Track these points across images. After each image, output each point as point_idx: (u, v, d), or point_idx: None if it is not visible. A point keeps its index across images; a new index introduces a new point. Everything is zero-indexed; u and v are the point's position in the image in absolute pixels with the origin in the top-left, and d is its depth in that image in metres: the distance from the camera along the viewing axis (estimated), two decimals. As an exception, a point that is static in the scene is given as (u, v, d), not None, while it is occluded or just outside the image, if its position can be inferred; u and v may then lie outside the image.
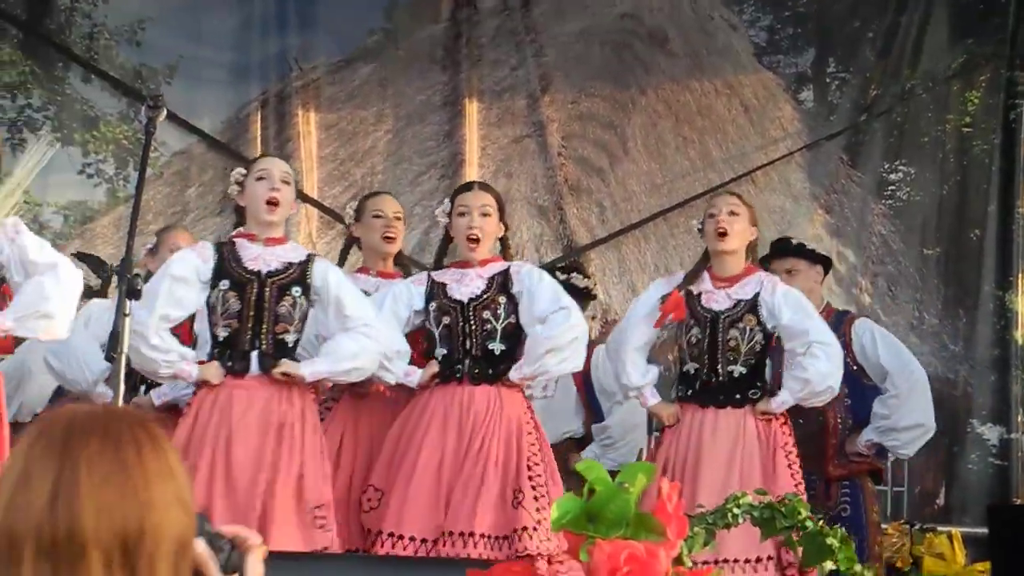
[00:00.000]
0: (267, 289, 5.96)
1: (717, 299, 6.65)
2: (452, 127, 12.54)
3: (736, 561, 6.20)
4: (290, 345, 6.03)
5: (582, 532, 3.59)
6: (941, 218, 13.47)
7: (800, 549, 4.77)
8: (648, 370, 6.80)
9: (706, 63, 13.83)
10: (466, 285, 6.41)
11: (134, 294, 4.97)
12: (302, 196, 9.32)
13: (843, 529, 4.76)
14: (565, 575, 4.26)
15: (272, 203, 6.02)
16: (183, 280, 5.94)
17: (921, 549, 8.50)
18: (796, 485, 6.40)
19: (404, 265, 7.14)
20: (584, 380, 7.99)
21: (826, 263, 7.84)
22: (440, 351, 6.37)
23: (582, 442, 8.16)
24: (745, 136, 13.56)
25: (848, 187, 13.71)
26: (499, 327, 6.37)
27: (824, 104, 14.74)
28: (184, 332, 6.37)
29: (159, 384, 6.69)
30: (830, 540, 4.64)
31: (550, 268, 7.99)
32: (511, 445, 6.25)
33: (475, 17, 13.43)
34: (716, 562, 5.89)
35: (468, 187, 6.73)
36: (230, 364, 5.94)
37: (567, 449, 7.77)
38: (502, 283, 6.42)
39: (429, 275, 6.53)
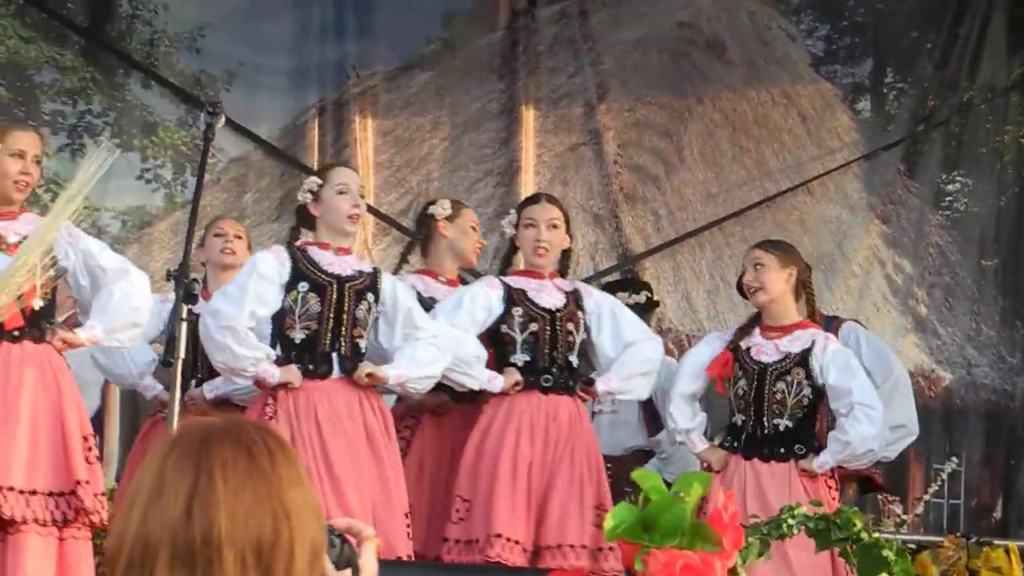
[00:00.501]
0: (346, 293, 5.98)
1: (766, 351, 6.59)
2: (508, 134, 12.55)
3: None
4: (363, 350, 6.04)
5: (637, 541, 3.59)
6: (999, 229, 13.42)
7: (856, 561, 4.75)
8: (695, 415, 6.76)
9: (763, 72, 13.81)
10: (547, 295, 6.39)
11: (191, 299, 5.00)
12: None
13: (899, 541, 4.73)
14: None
15: (354, 218, 6.05)
16: (269, 280, 5.93)
17: (978, 563, 8.44)
18: None
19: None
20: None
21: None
22: (521, 357, 6.31)
23: (648, 456, 8.17)
24: (802, 146, 13.53)
25: (905, 198, 13.67)
26: (578, 340, 6.39)
27: (881, 114, 14.72)
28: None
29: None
30: (886, 552, 4.61)
31: (606, 285, 7.97)
32: (591, 459, 6.26)
33: (533, 25, 13.46)
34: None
35: (535, 199, 6.68)
36: (311, 367, 5.94)
37: (633, 463, 7.77)
38: (576, 299, 6.43)
39: (502, 280, 6.45)
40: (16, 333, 5.49)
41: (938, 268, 13.34)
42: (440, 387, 6.23)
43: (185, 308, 4.97)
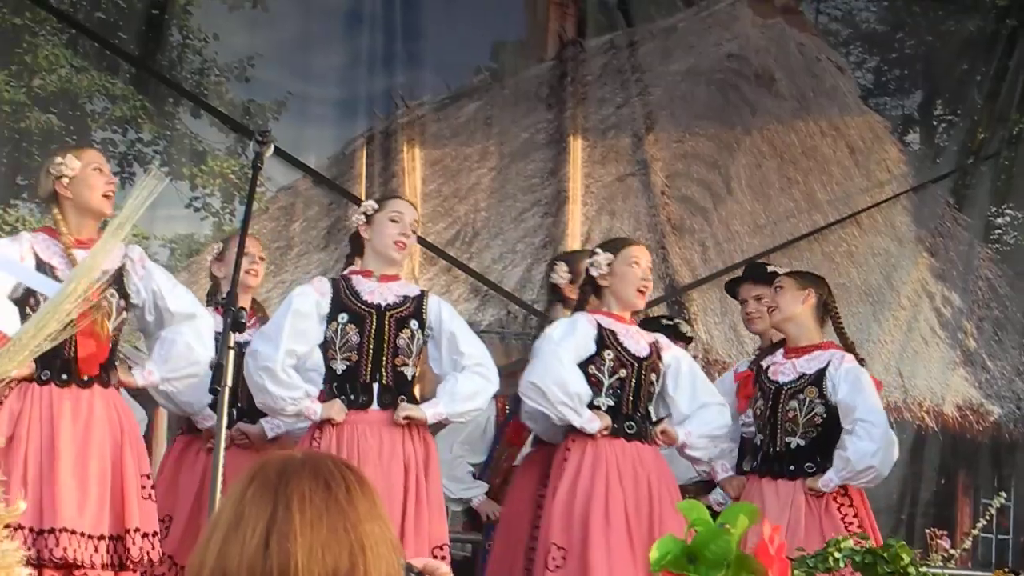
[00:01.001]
0: (386, 322, 5.98)
1: (783, 371, 6.64)
2: (556, 164, 12.56)
3: None
4: (409, 378, 6.04)
5: (682, 572, 3.58)
6: (1049, 263, 13.36)
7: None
8: (730, 443, 6.83)
9: (812, 104, 13.79)
10: (634, 341, 6.36)
11: (238, 327, 5.01)
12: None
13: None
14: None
15: (400, 245, 6.05)
16: (305, 315, 5.95)
17: (1025, 598, 8.37)
18: None
19: None
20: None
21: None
22: (605, 401, 6.25)
23: (709, 485, 8.15)
24: (850, 178, 13.50)
25: (954, 230, 13.61)
26: (656, 391, 6.40)
27: (930, 147, 14.68)
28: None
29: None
30: (933, 586, 4.58)
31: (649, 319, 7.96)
32: (677, 498, 6.25)
33: (581, 56, 13.48)
34: None
35: (632, 241, 6.66)
36: (351, 398, 5.96)
37: (695, 493, 7.75)
38: (657, 350, 6.41)
39: (597, 321, 6.36)
40: (86, 379, 5.55)
41: (987, 301, 13.26)
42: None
43: (232, 336, 4.99)
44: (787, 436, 6.54)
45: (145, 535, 5.54)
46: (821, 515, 6.40)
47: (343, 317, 5.94)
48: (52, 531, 5.29)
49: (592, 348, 6.24)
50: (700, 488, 8.01)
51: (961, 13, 14.25)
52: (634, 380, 6.27)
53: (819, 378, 6.51)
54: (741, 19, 14.06)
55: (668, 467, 6.40)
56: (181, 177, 12.04)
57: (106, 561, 5.42)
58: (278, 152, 10.03)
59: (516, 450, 7.77)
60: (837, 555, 4.71)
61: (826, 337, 6.70)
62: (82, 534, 5.36)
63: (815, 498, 6.44)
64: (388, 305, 6.00)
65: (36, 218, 11.42)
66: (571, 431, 6.21)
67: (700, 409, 6.41)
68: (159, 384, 5.74)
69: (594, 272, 6.40)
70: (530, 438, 7.39)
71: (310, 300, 5.96)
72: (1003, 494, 9.99)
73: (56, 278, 5.44)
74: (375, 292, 6.01)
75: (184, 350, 5.67)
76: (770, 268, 7.62)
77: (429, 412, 5.94)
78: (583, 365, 6.23)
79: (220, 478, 4.81)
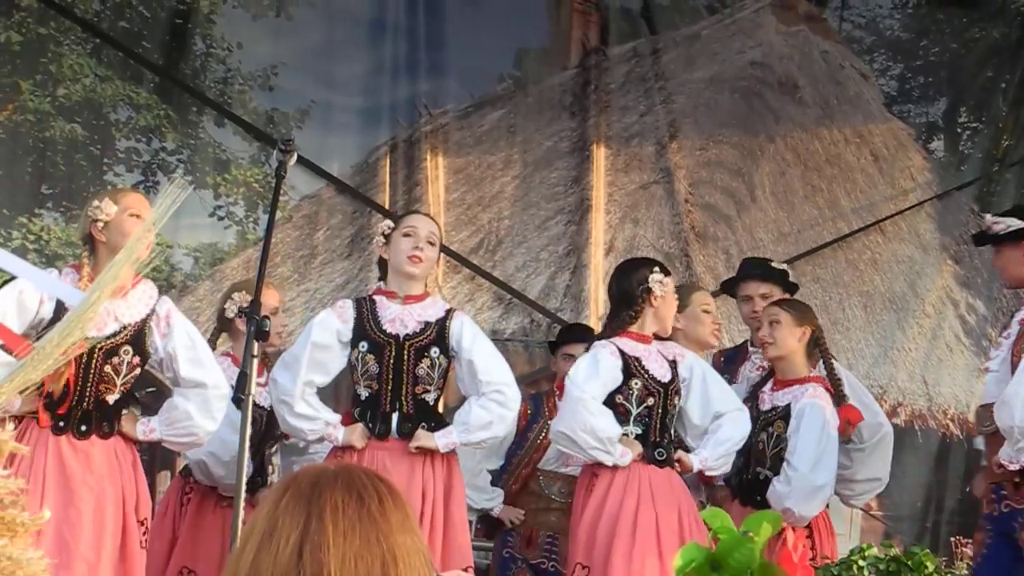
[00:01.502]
0: (405, 352, 5.98)
1: (766, 400, 6.71)
2: (580, 173, 12.55)
3: None
4: (431, 403, 6.04)
5: (706, 581, 3.57)
6: (1074, 270, 13.29)
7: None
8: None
9: (836, 112, 13.76)
10: (657, 364, 6.35)
11: (262, 336, 5.02)
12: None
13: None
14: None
15: (414, 259, 6.03)
16: (325, 347, 5.98)
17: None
18: None
19: None
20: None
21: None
22: (633, 429, 6.26)
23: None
24: (874, 185, 13.46)
25: (979, 238, 13.55)
26: (678, 410, 6.41)
27: (955, 154, 14.62)
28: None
29: None
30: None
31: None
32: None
33: (604, 64, 13.47)
34: None
35: (662, 265, 6.55)
36: (371, 426, 5.98)
37: (723, 499, 7.76)
38: (674, 367, 6.40)
39: (619, 347, 6.33)
40: (83, 428, 5.57)
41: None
42: None
43: (256, 344, 4.99)
44: (757, 466, 6.62)
45: None
46: (785, 546, 6.38)
47: (363, 346, 5.97)
48: None
49: (619, 378, 6.24)
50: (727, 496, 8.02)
51: (986, 20, 14.21)
52: (660, 408, 6.27)
53: (787, 412, 6.57)
54: (765, 27, 14.03)
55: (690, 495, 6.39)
56: (205, 186, 12.03)
57: None
58: (301, 161, 10.04)
59: (539, 456, 7.77)
60: (861, 563, 4.70)
61: (819, 370, 6.76)
62: None
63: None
64: (407, 335, 5.99)
65: (61, 227, 11.43)
66: None
67: (717, 421, 6.40)
68: (158, 437, 5.75)
69: (657, 291, 6.34)
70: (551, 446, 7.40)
71: (330, 330, 5.99)
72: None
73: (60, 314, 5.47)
74: (396, 319, 6.00)
75: (184, 417, 5.71)
76: (774, 264, 7.65)
77: (441, 442, 5.96)
78: (611, 395, 6.22)
79: (242, 500, 4.81)
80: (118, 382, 5.61)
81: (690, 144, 12.93)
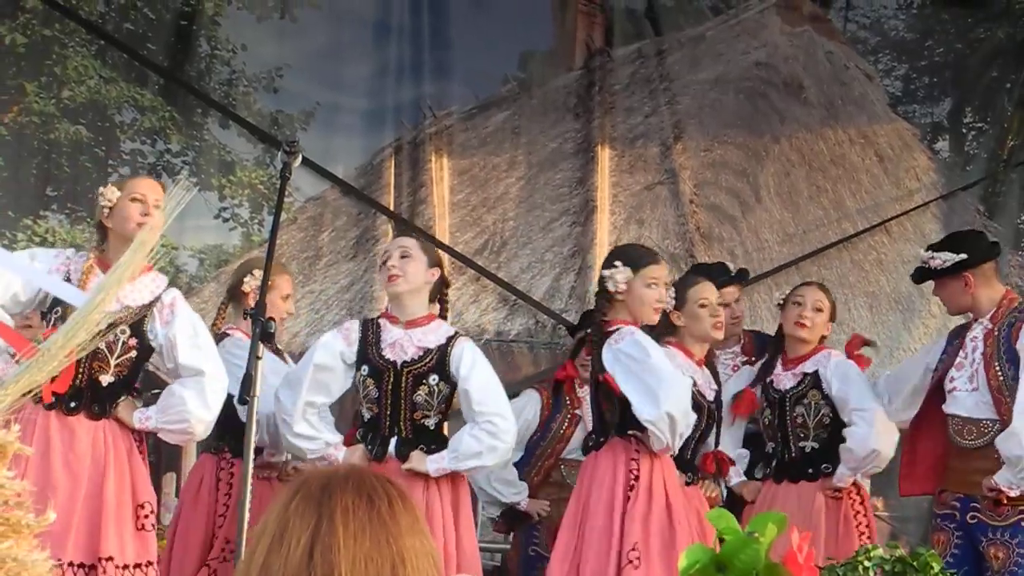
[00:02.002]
0: (403, 379, 5.98)
1: (784, 379, 6.80)
2: (584, 174, 12.55)
3: None
4: (431, 428, 6.03)
5: (711, 582, 3.56)
6: (1080, 270, 13.30)
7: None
8: (734, 449, 6.95)
9: (841, 112, 13.75)
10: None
11: (267, 337, 5.02)
12: (432, 241, 9.43)
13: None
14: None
15: (393, 279, 5.99)
16: (328, 368, 5.98)
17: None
18: None
19: None
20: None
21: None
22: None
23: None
24: (879, 186, 13.45)
25: (984, 238, 13.55)
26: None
27: (960, 154, 14.61)
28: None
29: None
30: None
31: None
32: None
33: (609, 65, 13.46)
34: None
35: (658, 259, 6.50)
36: (370, 448, 5.98)
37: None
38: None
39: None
40: (72, 405, 5.58)
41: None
42: None
43: (261, 347, 5.00)
44: (800, 441, 6.75)
45: (126, 567, 5.54)
46: (838, 515, 6.54)
47: (365, 369, 5.98)
48: None
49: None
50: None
51: (990, 20, 14.20)
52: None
53: (816, 380, 6.72)
54: (769, 27, 14.03)
55: None
56: (210, 188, 12.05)
57: None
58: (306, 162, 10.04)
59: (563, 446, 7.77)
60: (867, 564, 4.70)
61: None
62: (69, 564, 5.39)
63: (834, 500, 6.58)
64: (405, 362, 5.96)
65: (66, 229, 11.45)
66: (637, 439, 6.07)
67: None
68: (155, 428, 5.73)
69: (610, 287, 6.23)
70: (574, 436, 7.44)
71: (334, 352, 6.00)
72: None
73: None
74: (397, 344, 5.98)
75: (180, 404, 5.67)
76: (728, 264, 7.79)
77: (432, 467, 5.92)
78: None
79: (248, 496, 4.82)
80: (112, 361, 5.61)
81: (695, 145, 12.93)
